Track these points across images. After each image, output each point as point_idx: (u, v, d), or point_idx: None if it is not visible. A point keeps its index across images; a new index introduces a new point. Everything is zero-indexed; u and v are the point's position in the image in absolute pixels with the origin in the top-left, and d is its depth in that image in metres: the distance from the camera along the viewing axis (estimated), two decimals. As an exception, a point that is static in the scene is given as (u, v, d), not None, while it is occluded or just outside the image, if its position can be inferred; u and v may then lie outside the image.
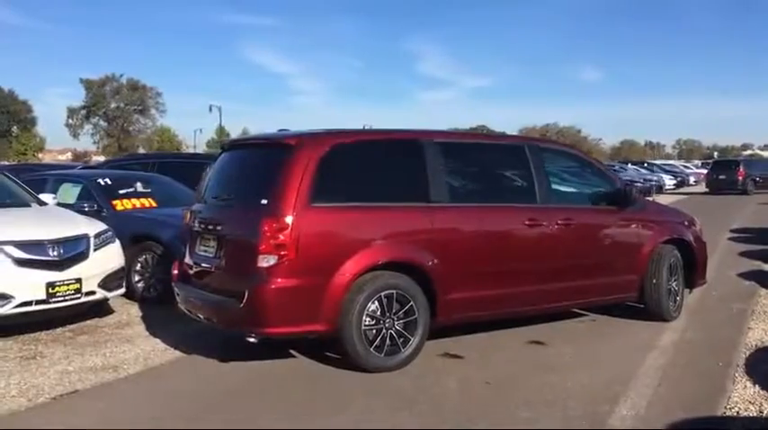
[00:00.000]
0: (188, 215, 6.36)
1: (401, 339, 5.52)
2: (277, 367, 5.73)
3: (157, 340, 6.62)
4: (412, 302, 5.54)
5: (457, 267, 5.72)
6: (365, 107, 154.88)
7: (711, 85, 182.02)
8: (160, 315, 7.53)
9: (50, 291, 6.54)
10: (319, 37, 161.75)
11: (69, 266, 6.73)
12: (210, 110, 64.94)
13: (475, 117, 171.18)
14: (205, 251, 5.82)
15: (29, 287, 6.43)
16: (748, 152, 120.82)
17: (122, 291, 7.46)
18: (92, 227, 7.25)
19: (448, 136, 6.14)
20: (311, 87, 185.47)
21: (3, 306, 6.31)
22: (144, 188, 9.54)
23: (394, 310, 5.49)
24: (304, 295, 5.20)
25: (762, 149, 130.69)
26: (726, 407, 4.74)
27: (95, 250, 7.05)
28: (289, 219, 5.13)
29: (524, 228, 6.16)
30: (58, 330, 6.97)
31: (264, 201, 5.25)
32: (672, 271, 7.10)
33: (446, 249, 5.70)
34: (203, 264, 5.88)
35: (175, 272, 6.38)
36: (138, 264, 8.31)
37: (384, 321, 5.45)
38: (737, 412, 4.66)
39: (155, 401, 4.98)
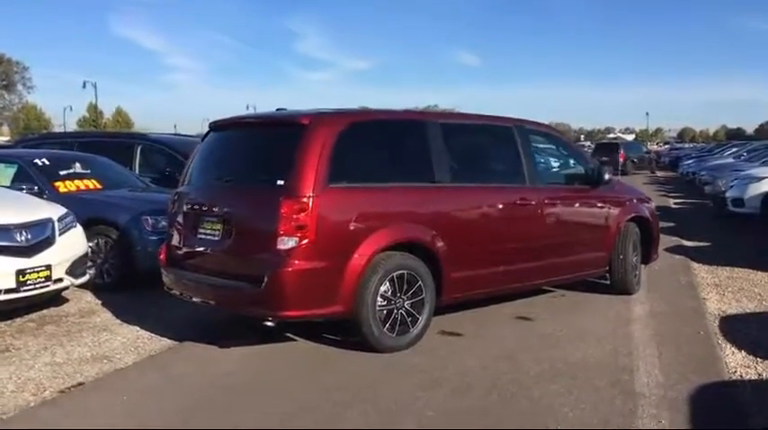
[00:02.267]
0: (175, 197, 6.11)
1: (410, 318, 5.56)
2: (284, 351, 5.63)
3: (135, 328, 6.33)
4: (420, 282, 5.59)
5: (459, 246, 5.81)
6: (243, 86, 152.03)
7: (577, 71, 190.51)
8: (122, 302, 7.19)
9: (21, 278, 6.13)
10: (193, 13, 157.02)
11: (37, 252, 6.33)
12: (84, 86, 61.65)
13: (357, 98, 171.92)
14: (207, 234, 5.60)
15: (-2, 275, 6.00)
16: (612, 135, 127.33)
17: (87, 277, 7.06)
18: (54, 210, 6.82)
19: (450, 117, 6.21)
20: (187, 65, 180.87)
21: (-30, 296, 5.87)
22: (83, 169, 9.02)
23: (404, 290, 5.52)
24: (323, 277, 5.13)
25: (623, 133, 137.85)
26: (728, 372, 5.09)
27: (60, 235, 6.65)
28: (309, 200, 5.04)
29: (517, 208, 6.33)
30: (18, 320, 6.54)
31: (281, 182, 5.12)
32: (634, 247, 7.50)
33: (450, 229, 5.77)
34: (203, 248, 5.67)
35: (162, 256, 6.12)
36: (89, 250, 7.87)
37: (395, 301, 5.47)
38: (741, 376, 5.01)
39: (177, 391, 4.76)
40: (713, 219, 14.79)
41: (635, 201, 7.71)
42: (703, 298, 7.49)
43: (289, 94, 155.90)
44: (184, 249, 5.87)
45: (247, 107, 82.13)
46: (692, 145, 69.61)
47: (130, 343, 5.92)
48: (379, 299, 5.37)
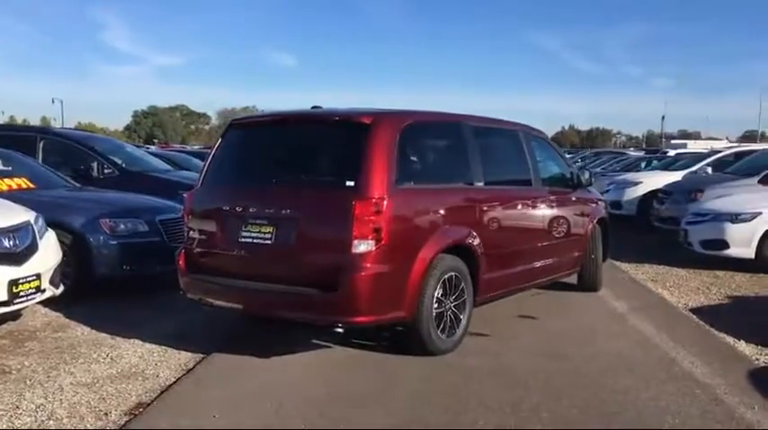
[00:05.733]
0: (194, 199, 5.69)
1: (456, 320, 5.55)
2: (330, 358, 5.42)
3: (136, 340, 5.80)
4: (463, 283, 5.60)
5: (492, 248, 5.86)
6: (45, 79, 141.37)
7: (394, 79, 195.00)
8: (88, 313, 6.56)
9: (13, 290, 5.40)
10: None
11: (26, 260, 5.60)
12: None
13: (169, 96, 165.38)
14: (254, 238, 5.22)
15: (-10, 287, 5.25)
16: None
17: (63, 288, 6.32)
18: (27, 213, 6.05)
19: (478, 120, 6.23)
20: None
21: (-40, 312, 5.09)
22: (4, 165, 8.07)
23: (451, 292, 5.50)
24: (393, 281, 4.99)
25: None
26: (757, 361, 5.52)
27: (40, 240, 5.92)
28: (382, 202, 4.88)
29: (530, 210, 6.54)
30: (-17, 338, 5.77)
31: (351, 183, 4.92)
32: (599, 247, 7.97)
33: (484, 231, 5.82)
34: (247, 252, 5.28)
35: (182, 261, 5.65)
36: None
37: (445, 304, 5.44)
38: (765, 363, 5.50)
39: (265, 406, 4.40)
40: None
41: (598, 203, 8.18)
42: (655, 292, 8.15)
43: (95, 88, 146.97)
44: (217, 253, 5.46)
45: (53, 101, 75.83)
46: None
47: (147, 356, 5.45)
48: (434, 301, 5.32)
